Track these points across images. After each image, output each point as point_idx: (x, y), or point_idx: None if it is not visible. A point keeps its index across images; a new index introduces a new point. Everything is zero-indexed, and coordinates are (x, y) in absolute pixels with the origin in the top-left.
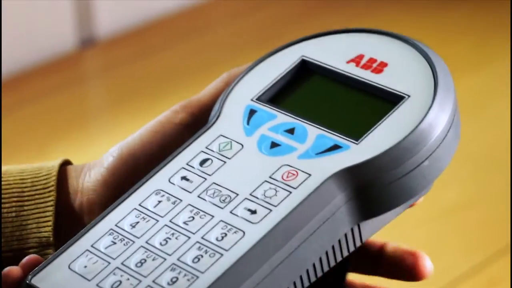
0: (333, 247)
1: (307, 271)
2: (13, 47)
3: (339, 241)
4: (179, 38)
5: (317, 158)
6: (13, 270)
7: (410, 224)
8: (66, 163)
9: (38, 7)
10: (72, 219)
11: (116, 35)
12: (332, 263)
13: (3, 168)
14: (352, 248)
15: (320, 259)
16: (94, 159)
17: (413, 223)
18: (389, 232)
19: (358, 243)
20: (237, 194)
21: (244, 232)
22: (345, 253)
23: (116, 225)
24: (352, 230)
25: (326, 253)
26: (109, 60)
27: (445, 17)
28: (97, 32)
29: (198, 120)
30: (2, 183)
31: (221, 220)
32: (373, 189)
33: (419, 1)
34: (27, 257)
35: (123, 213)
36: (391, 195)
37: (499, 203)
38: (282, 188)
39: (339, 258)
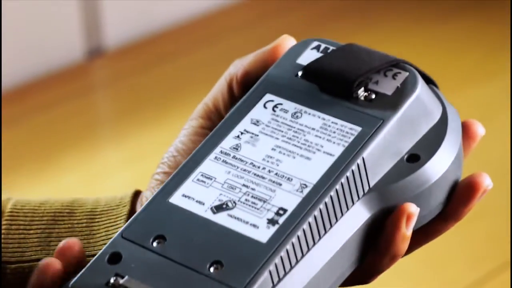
0: None
1: None
2: (21, 58)
3: None
4: (186, 48)
5: None
6: (52, 262)
7: None
8: (139, 192)
9: (46, 18)
10: None
11: (124, 46)
12: None
13: (78, 197)
14: None
15: None
16: (101, 169)
17: None
18: None
19: None
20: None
21: None
22: None
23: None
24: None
25: None
26: (116, 71)
27: (450, 32)
28: (105, 42)
29: (215, 123)
30: (77, 203)
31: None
32: None
33: (426, 15)
34: (63, 242)
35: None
36: None
37: (500, 218)
38: None
39: None
